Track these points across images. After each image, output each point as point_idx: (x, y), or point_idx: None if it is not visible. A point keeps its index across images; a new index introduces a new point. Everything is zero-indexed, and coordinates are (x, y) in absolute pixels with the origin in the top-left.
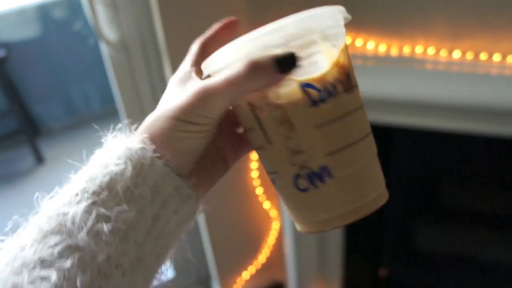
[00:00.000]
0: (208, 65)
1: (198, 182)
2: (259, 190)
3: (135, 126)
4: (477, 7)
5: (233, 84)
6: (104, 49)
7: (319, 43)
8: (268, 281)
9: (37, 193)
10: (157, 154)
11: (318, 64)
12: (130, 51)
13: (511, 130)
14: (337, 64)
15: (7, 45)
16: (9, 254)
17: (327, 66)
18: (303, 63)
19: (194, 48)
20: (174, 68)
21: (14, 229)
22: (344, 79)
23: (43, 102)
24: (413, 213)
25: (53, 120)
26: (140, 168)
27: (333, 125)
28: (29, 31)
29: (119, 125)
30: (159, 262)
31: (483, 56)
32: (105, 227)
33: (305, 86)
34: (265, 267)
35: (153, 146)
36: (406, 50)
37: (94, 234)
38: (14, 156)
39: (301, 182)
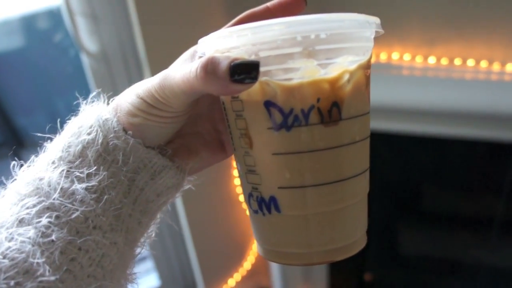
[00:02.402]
0: (201, 44)
1: (179, 158)
2: (242, 197)
3: (109, 94)
4: (451, 15)
5: (188, 83)
6: (85, 60)
7: (298, 59)
8: (254, 287)
9: (13, 162)
10: (124, 126)
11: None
12: (110, 61)
13: (489, 133)
14: (318, 89)
15: None
16: None
17: (305, 88)
18: (272, 78)
19: (235, 19)
20: None
21: None
22: (326, 109)
23: (27, 114)
24: (396, 218)
25: (37, 131)
26: (109, 137)
27: (294, 159)
28: (12, 42)
29: (95, 93)
30: (141, 228)
31: (457, 62)
32: (79, 187)
33: (269, 105)
34: (251, 273)
35: (117, 117)
36: (383, 56)
37: (70, 194)
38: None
39: (252, 202)
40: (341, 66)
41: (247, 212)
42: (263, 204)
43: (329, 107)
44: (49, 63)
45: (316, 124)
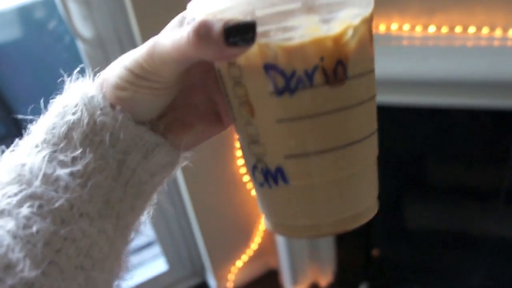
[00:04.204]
0: (190, 8)
1: (172, 134)
2: (246, 178)
3: (96, 70)
4: None
5: (179, 50)
6: (81, 47)
7: (298, 16)
8: (262, 268)
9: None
10: (111, 102)
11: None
12: (106, 47)
13: (492, 101)
14: (321, 48)
15: None
16: None
17: (308, 47)
18: (272, 40)
19: None
20: None
21: None
22: (331, 68)
23: (28, 105)
24: (402, 192)
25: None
26: (95, 115)
27: (300, 124)
28: (10, 33)
29: (79, 68)
30: (134, 212)
31: (458, 30)
32: (62, 172)
33: (269, 68)
34: (258, 254)
35: (103, 93)
36: (382, 28)
37: (53, 181)
38: None
39: (257, 175)
40: (344, 21)
41: (250, 186)
42: (269, 176)
43: (334, 66)
44: (46, 52)
45: (321, 85)
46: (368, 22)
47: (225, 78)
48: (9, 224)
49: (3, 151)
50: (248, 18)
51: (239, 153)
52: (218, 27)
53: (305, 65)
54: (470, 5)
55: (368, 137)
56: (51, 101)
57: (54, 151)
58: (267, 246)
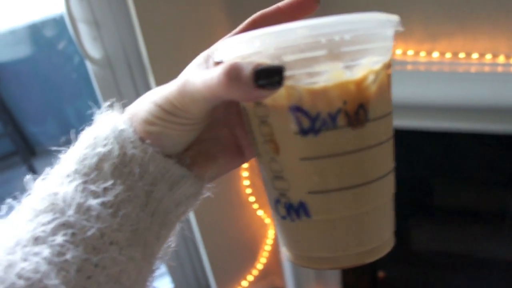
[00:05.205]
0: (219, 50)
1: (197, 166)
2: (252, 198)
3: (123, 102)
4: (453, 8)
5: (210, 90)
6: (90, 67)
7: (324, 62)
8: None
9: (28, 176)
10: (141, 136)
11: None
12: (114, 67)
13: (496, 126)
14: (344, 92)
15: None
16: (3, 235)
17: (331, 91)
18: (298, 83)
19: (247, 21)
20: (159, 82)
21: (8, 213)
22: (353, 112)
23: (37, 122)
24: (408, 214)
25: (48, 139)
26: (126, 148)
27: (323, 163)
28: (20, 51)
29: (110, 102)
30: (159, 241)
31: (461, 55)
32: (94, 202)
33: (295, 109)
34: (264, 274)
35: (134, 127)
36: None
37: (85, 210)
38: (11, 177)
39: (280, 208)
40: (366, 67)
41: (256, 206)
42: (291, 210)
43: (355, 109)
44: (58, 70)
45: (344, 127)
46: (388, 67)
47: (251, 116)
48: (45, 251)
49: (35, 178)
50: (276, 62)
51: (245, 173)
52: (248, 70)
53: (329, 108)
54: (473, 32)
55: (386, 176)
56: (58, 119)
57: (85, 181)
58: (273, 266)
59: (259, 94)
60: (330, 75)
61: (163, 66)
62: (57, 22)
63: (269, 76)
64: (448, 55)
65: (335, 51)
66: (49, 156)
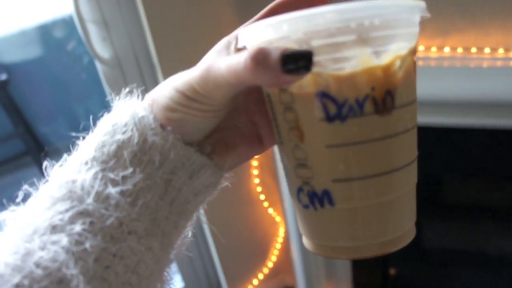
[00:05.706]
0: (242, 35)
1: (217, 155)
2: (262, 196)
3: (143, 88)
4: (463, 2)
5: (235, 75)
6: (99, 67)
7: (352, 47)
8: (278, 286)
9: (45, 162)
10: (161, 122)
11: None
12: (124, 67)
13: (509, 121)
14: (372, 78)
15: (8, 67)
16: (21, 222)
17: (359, 77)
18: (324, 69)
19: (265, 9)
20: None
21: (25, 199)
22: (380, 98)
23: (47, 122)
24: (419, 211)
25: (59, 138)
26: (146, 135)
27: (348, 150)
28: (30, 52)
29: (129, 89)
30: (177, 231)
31: (473, 50)
32: (113, 191)
33: (321, 96)
34: (274, 272)
35: (154, 113)
36: None
37: (104, 199)
38: (23, 177)
39: (302, 197)
40: (393, 52)
41: (267, 204)
42: (315, 198)
43: (383, 96)
44: (68, 70)
45: (371, 114)
46: (413, 53)
47: (275, 103)
48: (63, 240)
49: (53, 166)
50: (304, 47)
51: (255, 171)
52: (276, 54)
53: (357, 94)
54: (485, 26)
55: (410, 164)
56: (69, 119)
57: (103, 169)
58: (284, 264)
59: (286, 79)
60: (358, 60)
61: (173, 66)
62: (66, 22)
63: (297, 61)
64: (460, 50)
65: (364, 36)
66: (61, 155)
